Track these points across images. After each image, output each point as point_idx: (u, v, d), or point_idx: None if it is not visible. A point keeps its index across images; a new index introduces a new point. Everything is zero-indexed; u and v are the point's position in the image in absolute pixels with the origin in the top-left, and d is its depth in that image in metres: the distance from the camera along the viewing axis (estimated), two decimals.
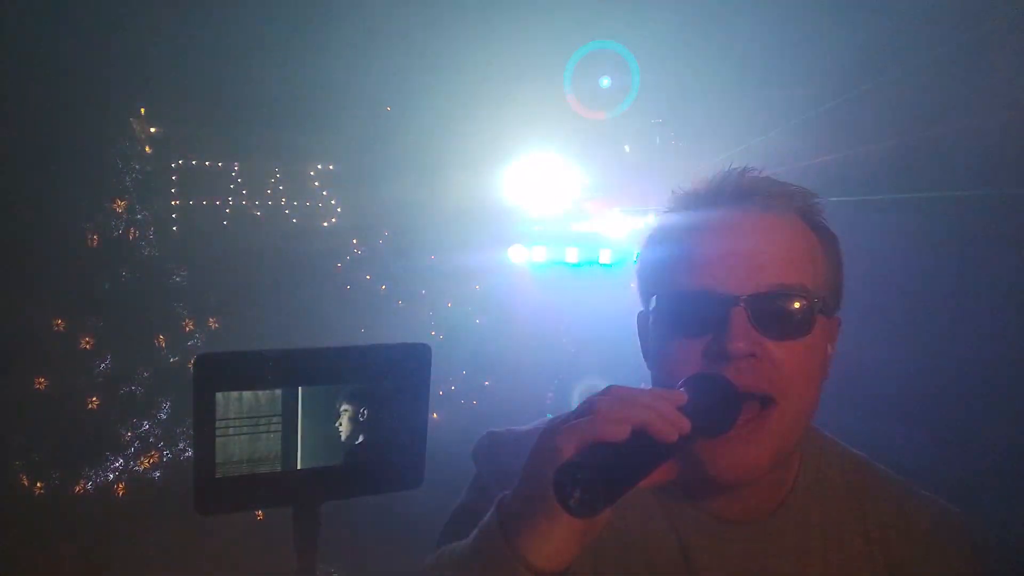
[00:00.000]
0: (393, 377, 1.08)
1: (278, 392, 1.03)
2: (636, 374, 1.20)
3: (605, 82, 6.43)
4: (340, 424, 1.06)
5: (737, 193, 1.08)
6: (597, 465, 0.78)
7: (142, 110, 6.97)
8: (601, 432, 0.82)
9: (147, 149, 7.03)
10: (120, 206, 6.69)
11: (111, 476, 6.33)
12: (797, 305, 1.01)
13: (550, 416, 1.05)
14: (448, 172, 7.37)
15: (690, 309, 1.03)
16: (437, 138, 7.35)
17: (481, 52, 6.66)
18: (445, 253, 8.16)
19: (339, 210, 8.18)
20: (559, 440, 0.83)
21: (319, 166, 8.11)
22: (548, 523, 0.84)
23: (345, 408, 1.06)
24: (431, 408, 1.09)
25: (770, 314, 1.00)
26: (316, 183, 8.12)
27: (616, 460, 0.80)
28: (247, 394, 1.01)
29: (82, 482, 6.18)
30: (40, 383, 6.05)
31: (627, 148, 6.83)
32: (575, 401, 0.93)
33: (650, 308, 1.10)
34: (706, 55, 5.59)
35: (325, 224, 8.16)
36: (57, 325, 6.25)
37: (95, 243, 6.58)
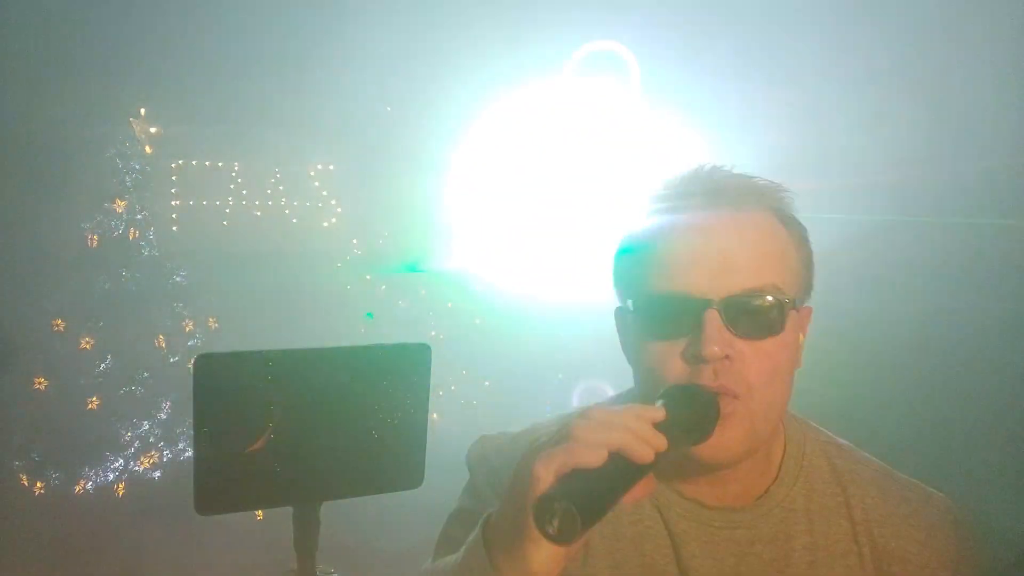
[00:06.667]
0: (393, 377, 1.08)
1: (278, 392, 1.03)
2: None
3: (605, 83, 6.44)
4: (340, 424, 1.06)
5: (708, 192, 1.09)
6: (574, 493, 0.80)
7: (142, 110, 6.97)
8: (578, 458, 0.84)
9: (147, 149, 7.03)
10: (120, 206, 6.68)
11: (111, 476, 6.33)
12: (770, 305, 1.04)
13: (548, 410, 1.06)
14: (447, 171, 7.36)
15: (665, 312, 1.05)
16: (437, 137, 7.35)
17: (482, 51, 6.66)
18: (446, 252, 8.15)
19: (339, 210, 8.17)
20: (537, 468, 0.85)
21: (319, 166, 8.10)
22: (530, 546, 0.86)
23: (345, 408, 1.07)
24: (431, 408, 1.09)
25: (744, 315, 1.03)
26: (316, 183, 8.11)
27: (593, 485, 0.82)
28: (247, 393, 1.01)
29: (82, 482, 6.18)
30: (40, 383, 6.05)
31: (623, 148, 6.83)
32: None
33: (628, 309, 1.12)
34: (706, 53, 5.59)
35: (325, 224, 8.15)
36: (57, 325, 6.25)
37: (95, 243, 6.58)
